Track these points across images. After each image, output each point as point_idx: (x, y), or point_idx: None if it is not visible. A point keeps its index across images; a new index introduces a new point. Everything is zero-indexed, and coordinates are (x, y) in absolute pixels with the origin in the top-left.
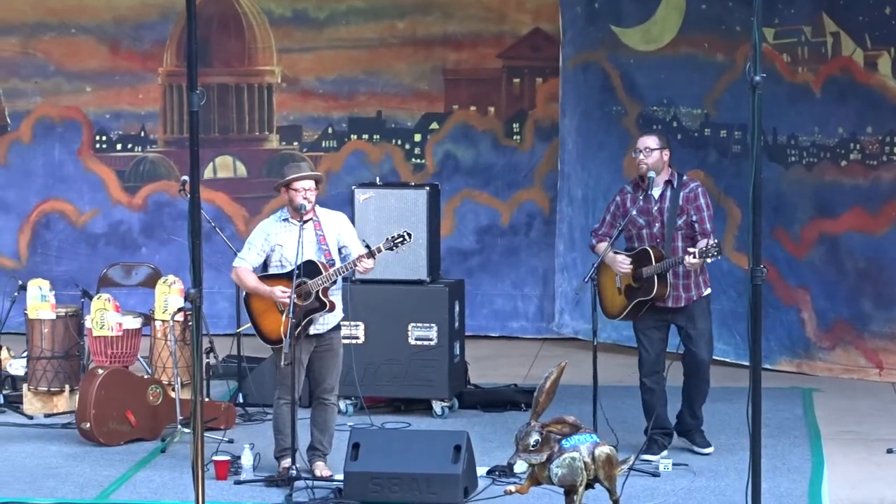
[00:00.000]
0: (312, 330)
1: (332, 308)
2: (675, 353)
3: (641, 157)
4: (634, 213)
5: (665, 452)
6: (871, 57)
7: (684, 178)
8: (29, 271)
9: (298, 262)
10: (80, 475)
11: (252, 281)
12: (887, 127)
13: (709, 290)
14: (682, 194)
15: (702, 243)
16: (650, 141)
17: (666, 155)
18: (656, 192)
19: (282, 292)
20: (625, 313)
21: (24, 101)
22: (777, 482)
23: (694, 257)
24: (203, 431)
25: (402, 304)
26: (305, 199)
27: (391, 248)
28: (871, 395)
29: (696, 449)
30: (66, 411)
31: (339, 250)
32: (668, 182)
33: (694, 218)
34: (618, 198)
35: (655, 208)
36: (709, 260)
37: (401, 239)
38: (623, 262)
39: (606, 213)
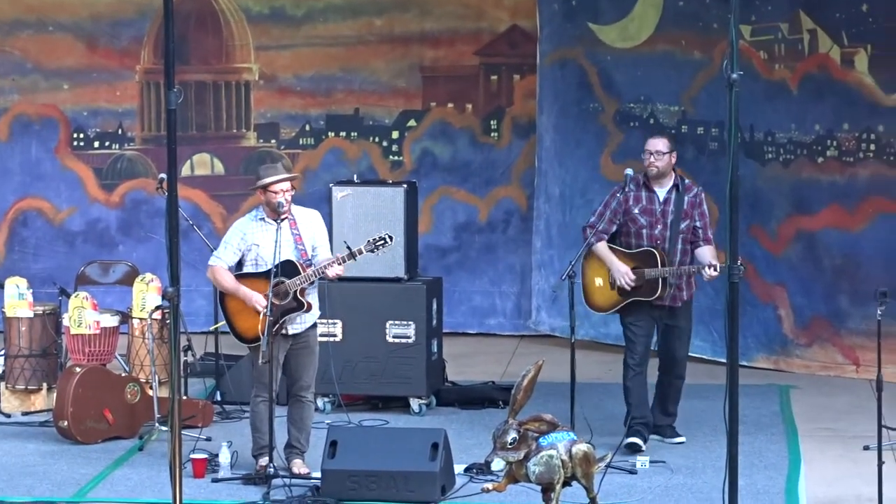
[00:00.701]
0: (290, 329)
1: (310, 308)
2: (654, 351)
3: (652, 159)
4: (637, 211)
5: (645, 442)
6: (847, 54)
7: (687, 181)
8: (6, 269)
9: (276, 262)
10: (58, 473)
11: (230, 281)
12: (864, 124)
13: (694, 290)
14: (686, 199)
15: (709, 251)
16: (661, 144)
17: (674, 158)
18: (661, 194)
19: (260, 302)
20: (616, 308)
21: (2, 99)
22: (754, 479)
23: (715, 270)
24: (181, 429)
25: (380, 301)
26: (282, 199)
27: (372, 251)
28: (847, 392)
29: (667, 440)
30: (44, 409)
31: (312, 249)
32: (675, 186)
33: (698, 223)
34: (619, 194)
35: (659, 210)
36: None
37: (382, 241)
38: (628, 276)
39: (605, 209)
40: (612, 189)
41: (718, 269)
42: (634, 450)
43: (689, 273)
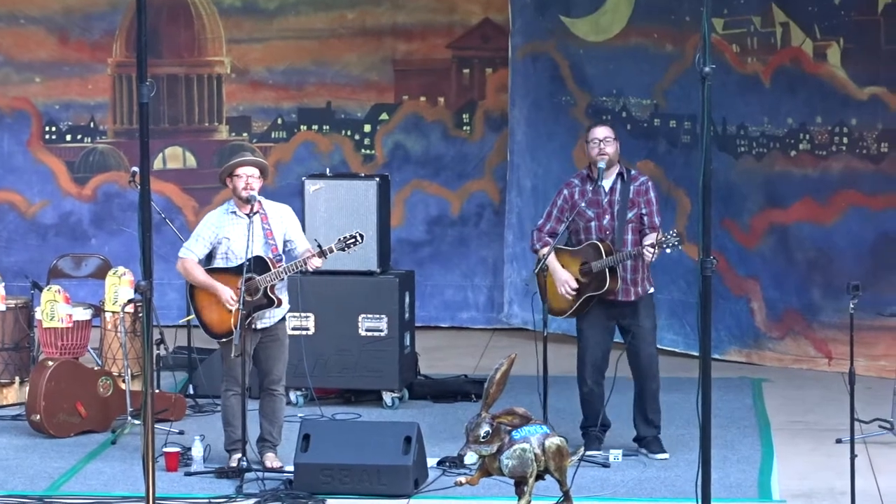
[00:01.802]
0: (259, 325)
1: (280, 304)
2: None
3: (603, 146)
4: (583, 204)
5: (607, 450)
6: (820, 47)
7: (633, 171)
8: None
9: (248, 257)
10: (30, 467)
11: (201, 275)
12: (836, 117)
13: (652, 289)
14: (632, 187)
15: (656, 235)
16: (608, 131)
17: (618, 145)
18: (607, 184)
19: (232, 298)
20: (573, 309)
21: None
22: (727, 472)
23: (652, 247)
24: (153, 423)
25: (353, 295)
26: (248, 186)
27: (343, 249)
28: (820, 385)
29: (651, 456)
30: (16, 403)
31: (285, 244)
32: (620, 174)
33: (644, 211)
34: (565, 191)
35: (605, 200)
36: (668, 250)
37: (353, 240)
38: (568, 284)
39: (553, 208)
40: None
41: (658, 245)
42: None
43: (630, 256)
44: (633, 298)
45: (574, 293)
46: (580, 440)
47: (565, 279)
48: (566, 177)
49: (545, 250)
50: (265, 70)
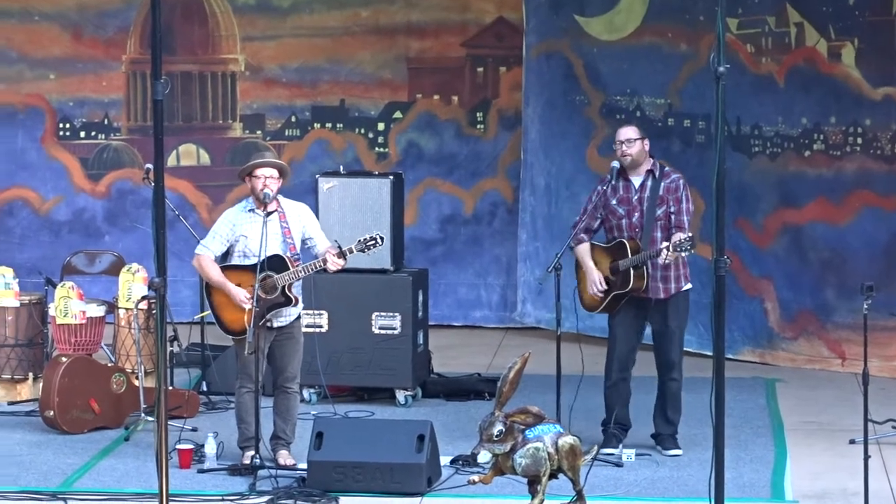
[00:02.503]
0: (275, 323)
1: (297, 303)
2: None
3: (624, 147)
4: (614, 202)
5: (621, 447)
6: (834, 47)
7: (666, 168)
8: None
9: (262, 255)
10: (44, 463)
11: (216, 274)
12: (850, 117)
13: (689, 286)
14: (663, 185)
15: (675, 237)
16: (631, 132)
17: (646, 144)
18: (637, 182)
19: (246, 298)
20: (602, 306)
21: None
22: (740, 472)
23: (668, 250)
24: (167, 420)
25: (366, 293)
26: (266, 186)
27: (363, 251)
28: (833, 385)
29: (663, 452)
30: (30, 399)
31: (304, 242)
32: (650, 172)
33: (672, 209)
34: (599, 187)
35: (636, 198)
36: (683, 254)
37: (373, 242)
38: (596, 285)
39: (588, 204)
40: (597, 182)
41: (672, 249)
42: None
43: (649, 257)
44: (663, 296)
45: (601, 294)
46: (599, 437)
47: (594, 279)
48: (580, 176)
49: (581, 248)
50: (279, 68)
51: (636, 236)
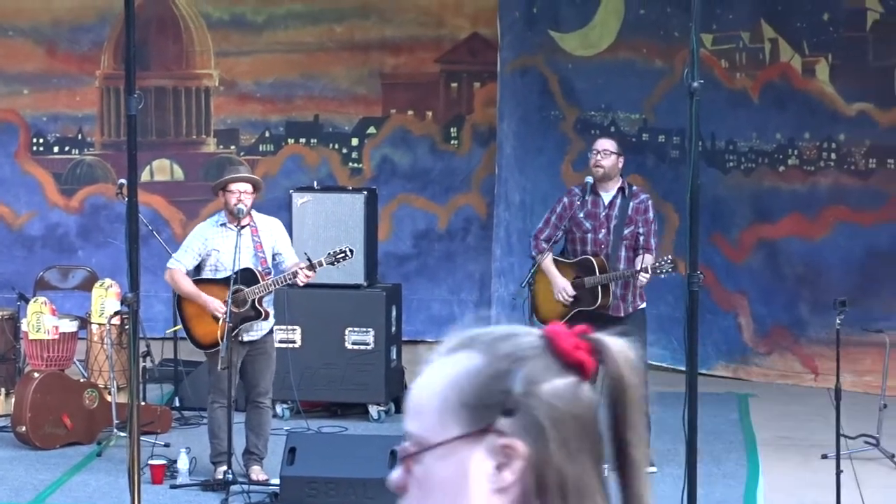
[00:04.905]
0: (246, 337)
1: (267, 317)
2: None
3: (599, 157)
4: (581, 215)
5: None
6: (808, 63)
7: (634, 188)
8: None
9: (235, 269)
10: (16, 479)
11: (188, 286)
12: (825, 133)
13: (644, 305)
14: (632, 204)
15: (648, 259)
16: (608, 144)
17: (621, 161)
18: (607, 198)
19: (219, 308)
20: (563, 320)
21: None
22: (713, 488)
23: (647, 272)
24: (139, 435)
25: (339, 308)
26: (240, 201)
27: (332, 263)
28: (806, 400)
29: None
30: (2, 415)
31: (273, 257)
32: (621, 189)
33: (640, 230)
34: (565, 199)
35: (604, 214)
36: (662, 275)
37: (342, 255)
38: (565, 291)
39: (551, 214)
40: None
41: (651, 272)
42: None
43: (623, 277)
44: (622, 314)
45: (571, 299)
46: None
47: (563, 286)
48: (554, 191)
49: (544, 257)
50: (253, 83)
51: (601, 253)
